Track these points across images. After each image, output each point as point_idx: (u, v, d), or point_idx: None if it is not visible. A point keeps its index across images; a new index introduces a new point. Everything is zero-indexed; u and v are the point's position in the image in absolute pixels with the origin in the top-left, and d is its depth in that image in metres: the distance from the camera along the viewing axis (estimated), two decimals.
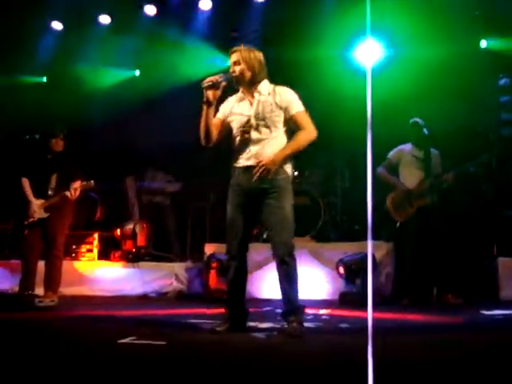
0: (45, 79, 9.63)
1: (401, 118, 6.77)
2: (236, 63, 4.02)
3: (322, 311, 5.25)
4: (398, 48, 7.93)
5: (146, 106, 8.55)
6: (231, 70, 4.03)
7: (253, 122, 3.99)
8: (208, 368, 2.82)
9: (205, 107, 3.94)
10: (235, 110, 4.10)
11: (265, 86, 4.09)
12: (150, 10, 8.37)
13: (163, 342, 3.48)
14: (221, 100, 4.10)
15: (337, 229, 7.48)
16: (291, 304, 3.91)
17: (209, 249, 7.03)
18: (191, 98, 8.10)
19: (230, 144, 4.15)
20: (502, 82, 8.06)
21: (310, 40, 7.80)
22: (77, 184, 6.16)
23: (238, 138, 4.06)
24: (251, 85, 4.06)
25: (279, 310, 5.39)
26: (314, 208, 7.18)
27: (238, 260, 4.00)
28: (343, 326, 4.32)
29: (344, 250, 6.44)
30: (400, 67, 7.67)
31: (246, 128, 4.01)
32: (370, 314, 2.41)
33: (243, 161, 4.01)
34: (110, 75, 9.24)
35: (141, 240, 7.74)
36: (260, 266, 6.71)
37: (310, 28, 7.76)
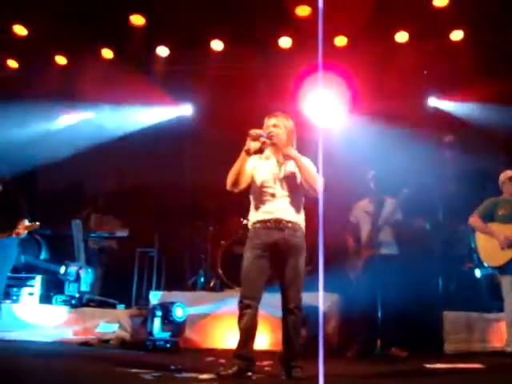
0: None
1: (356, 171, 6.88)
2: (275, 126, 4.36)
3: (265, 362, 5.15)
4: (349, 104, 8.11)
5: (96, 148, 8.45)
6: (269, 131, 4.31)
7: (277, 179, 4.31)
8: None
9: (244, 155, 4.23)
10: (261, 167, 4.39)
11: (291, 151, 4.37)
12: (107, 53, 8.38)
13: None
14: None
15: None
16: (294, 350, 4.23)
17: (154, 296, 6.90)
18: (142, 142, 8.23)
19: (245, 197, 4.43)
20: (447, 139, 8.37)
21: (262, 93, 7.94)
22: (23, 223, 6.00)
23: (260, 194, 4.33)
24: (281, 147, 4.35)
25: (222, 360, 5.34)
26: None
27: (253, 309, 4.19)
28: (283, 378, 4.24)
29: None
30: (353, 122, 7.85)
31: (271, 185, 4.30)
32: (321, 367, 2.41)
33: (264, 215, 4.28)
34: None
35: (85, 285, 7.54)
36: (205, 314, 6.61)
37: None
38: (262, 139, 4.26)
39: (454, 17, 7.31)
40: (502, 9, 7.09)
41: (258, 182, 4.35)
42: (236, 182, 4.28)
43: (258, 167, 4.40)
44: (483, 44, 7.62)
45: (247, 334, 4.20)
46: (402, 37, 7.75)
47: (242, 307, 4.19)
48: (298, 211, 4.33)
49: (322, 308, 5.02)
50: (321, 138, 2.93)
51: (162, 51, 8.28)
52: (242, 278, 4.29)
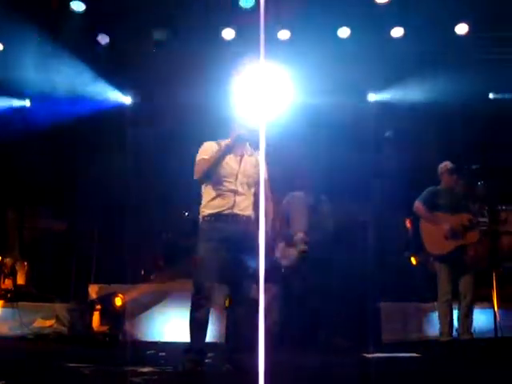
0: None
1: (295, 165, 6.92)
2: None
3: (209, 354, 5.15)
4: (291, 98, 8.14)
5: (36, 137, 8.21)
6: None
7: (239, 177, 4.32)
8: None
9: (227, 151, 4.25)
10: (225, 160, 4.32)
11: (248, 147, 4.46)
12: (48, 39, 8.12)
13: None
14: None
15: None
16: (242, 342, 4.18)
17: (93, 290, 6.78)
18: (81, 131, 8.04)
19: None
20: (387, 134, 8.55)
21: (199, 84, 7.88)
22: None
23: (218, 187, 4.29)
24: (243, 143, 4.40)
25: (162, 354, 5.31)
26: None
27: (207, 302, 4.16)
28: (228, 370, 4.23)
29: None
30: (294, 115, 7.88)
31: (232, 180, 4.29)
32: (261, 357, 2.41)
33: (221, 209, 4.27)
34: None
35: (20, 279, 7.33)
36: (145, 307, 6.55)
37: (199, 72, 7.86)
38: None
39: (395, 13, 7.44)
40: (443, 5, 7.26)
41: (220, 175, 4.31)
42: (209, 174, 4.27)
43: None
44: (424, 40, 7.79)
45: (201, 327, 4.16)
46: (344, 32, 7.83)
47: (198, 299, 4.14)
48: (254, 206, 4.36)
49: (262, 299, 5.02)
50: (263, 129, 2.91)
51: (103, 39, 8.09)
52: (197, 271, 4.24)
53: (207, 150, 4.33)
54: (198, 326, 4.15)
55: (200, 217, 4.37)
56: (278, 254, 6.42)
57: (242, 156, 4.40)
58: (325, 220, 6.43)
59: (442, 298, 5.87)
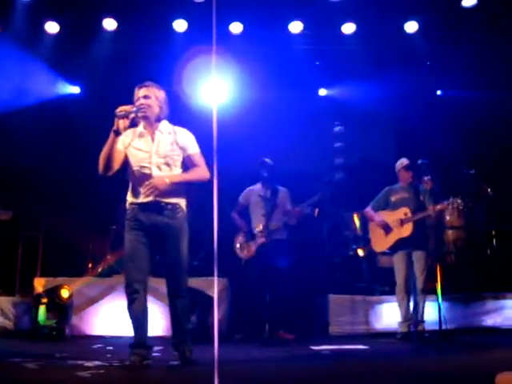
0: None
1: (250, 158, 6.91)
2: (146, 97, 4.14)
3: (156, 348, 5.12)
4: (243, 91, 8.14)
5: None
6: (140, 103, 4.11)
7: (153, 158, 4.10)
8: None
9: (113, 135, 3.94)
10: (135, 145, 4.16)
11: (165, 125, 4.24)
12: None
13: None
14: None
15: None
16: (184, 334, 4.17)
17: (39, 283, 6.63)
18: (28, 121, 7.83)
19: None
20: (337, 129, 8.66)
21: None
22: None
23: (136, 173, 4.11)
24: (155, 122, 4.19)
25: (110, 348, 5.25)
26: None
27: (141, 294, 4.06)
28: (174, 363, 4.22)
29: None
30: (247, 109, 7.89)
31: (146, 164, 4.09)
32: (216, 349, 2.44)
33: (143, 197, 4.08)
34: None
35: None
36: (92, 301, 6.46)
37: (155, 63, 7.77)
38: (132, 115, 4.00)
39: (347, 10, 7.52)
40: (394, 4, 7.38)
41: (133, 161, 4.12)
42: (108, 166, 4.02)
43: (131, 146, 4.16)
44: (375, 37, 7.91)
45: (139, 321, 4.10)
46: (296, 27, 7.87)
47: (130, 292, 4.06)
48: (177, 191, 4.13)
49: (216, 292, 5.04)
50: (215, 123, 2.92)
51: (51, 27, 7.90)
52: (124, 262, 4.16)
53: (106, 143, 4.03)
54: (134, 320, 4.10)
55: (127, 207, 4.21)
56: (237, 245, 6.45)
57: (153, 137, 4.17)
58: (285, 209, 6.46)
59: (396, 290, 6.08)
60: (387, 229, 6.12)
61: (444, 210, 6.08)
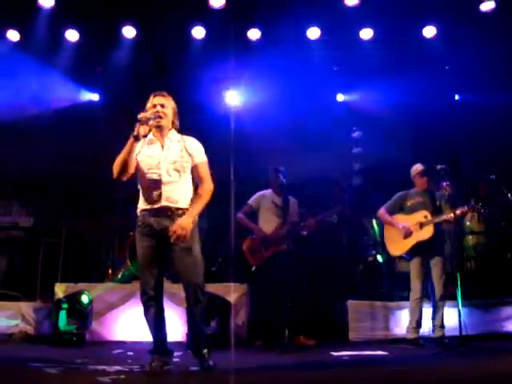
0: None
1: (263, 165, 6.92)
2: (163, 106, 4.22)
3: (176, 353, 5.14)
4: (261, 97, 8.17)
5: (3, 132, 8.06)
6: (157, 110, 4.18)
7: (163, 164, 4.14)
8: None
9: (132, 140, 4.02)
10: (145, 151, 4.21)
11: (174, 133, 4.31)
12: (13, 35, 8.01)
13: None
14: None
15: None
16: (202, 340, 4.17)
17: (59, 288, 6.68)
18: (50, 127, 7.93)
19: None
20: (355, 134, 8.65)
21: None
22: None
23: (146, 180, 4.16)
24: (166, 130, 4.26)
25: (130, 353, 5.28)
26: None
27: (157, 300, 4.11)
28: (194, 369, 4.24)
29: None
30: (265, 115, 7.91)
31: (156, 170, 4.14)
32: (232, 356, 2.44)
33: (151, 203, 4.13)
34: None
35: None
36: (112, 307, 6.50)
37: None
38: (151, 122, 4.11)
39: (364, 15, 7.53)
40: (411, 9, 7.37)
41: (143, 167, 4.17)
42: (124, 171, 4.08)
43: (141, 153, 4.19)
44: (393, 42, 7.90)
45: (157, 327, 4.13)
46: (313, 33, 7.90)
47: (146, 300, 4.09)
48: (187, 196, 4.19)
49: (233, 298, 5.05)
50: (233, 129, 2.95)
51: (72, 35, 8.01)
52: (138, 270, 4.20)
53: (124, 147, 4.10)
54: (151, 327, 4.14)
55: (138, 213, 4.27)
56: (247, 249, 6.42)
57: (164, 144, 4.23)
58: (293, 220, 6.45)
59: (412, 296, 6.02)
60: (407, 232, 6.06)
61: (464, 214, 6.03)
